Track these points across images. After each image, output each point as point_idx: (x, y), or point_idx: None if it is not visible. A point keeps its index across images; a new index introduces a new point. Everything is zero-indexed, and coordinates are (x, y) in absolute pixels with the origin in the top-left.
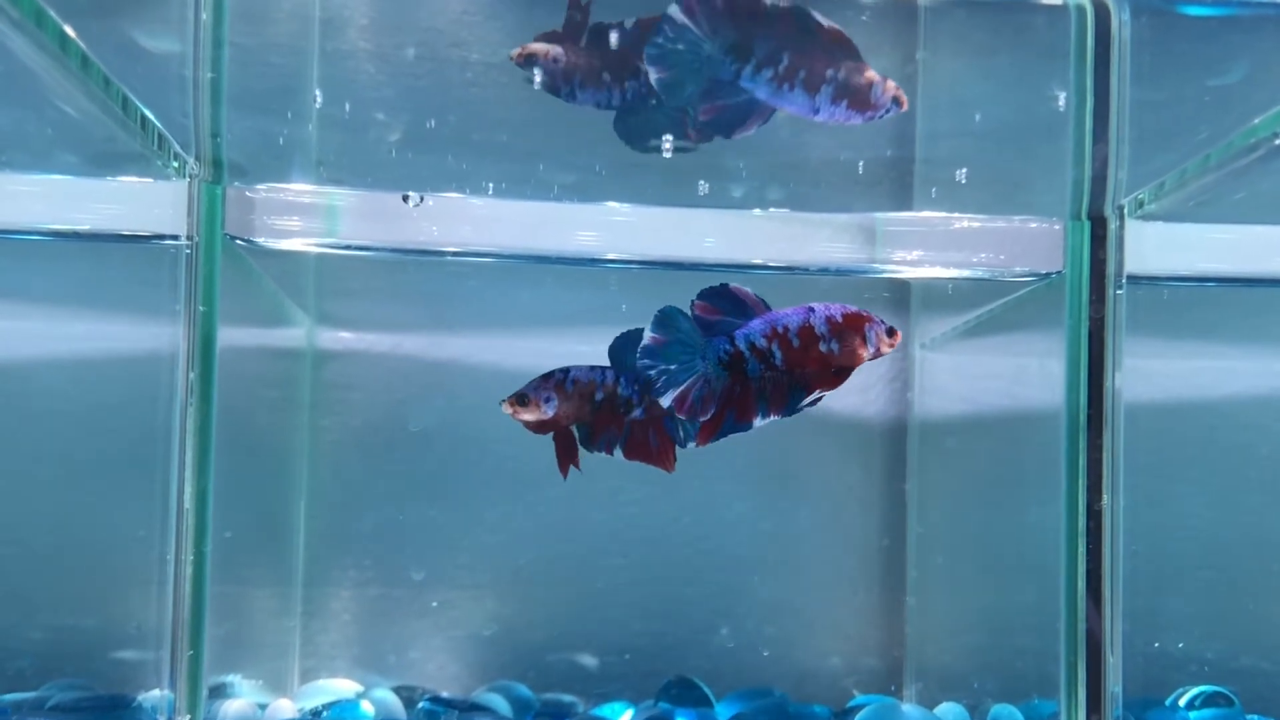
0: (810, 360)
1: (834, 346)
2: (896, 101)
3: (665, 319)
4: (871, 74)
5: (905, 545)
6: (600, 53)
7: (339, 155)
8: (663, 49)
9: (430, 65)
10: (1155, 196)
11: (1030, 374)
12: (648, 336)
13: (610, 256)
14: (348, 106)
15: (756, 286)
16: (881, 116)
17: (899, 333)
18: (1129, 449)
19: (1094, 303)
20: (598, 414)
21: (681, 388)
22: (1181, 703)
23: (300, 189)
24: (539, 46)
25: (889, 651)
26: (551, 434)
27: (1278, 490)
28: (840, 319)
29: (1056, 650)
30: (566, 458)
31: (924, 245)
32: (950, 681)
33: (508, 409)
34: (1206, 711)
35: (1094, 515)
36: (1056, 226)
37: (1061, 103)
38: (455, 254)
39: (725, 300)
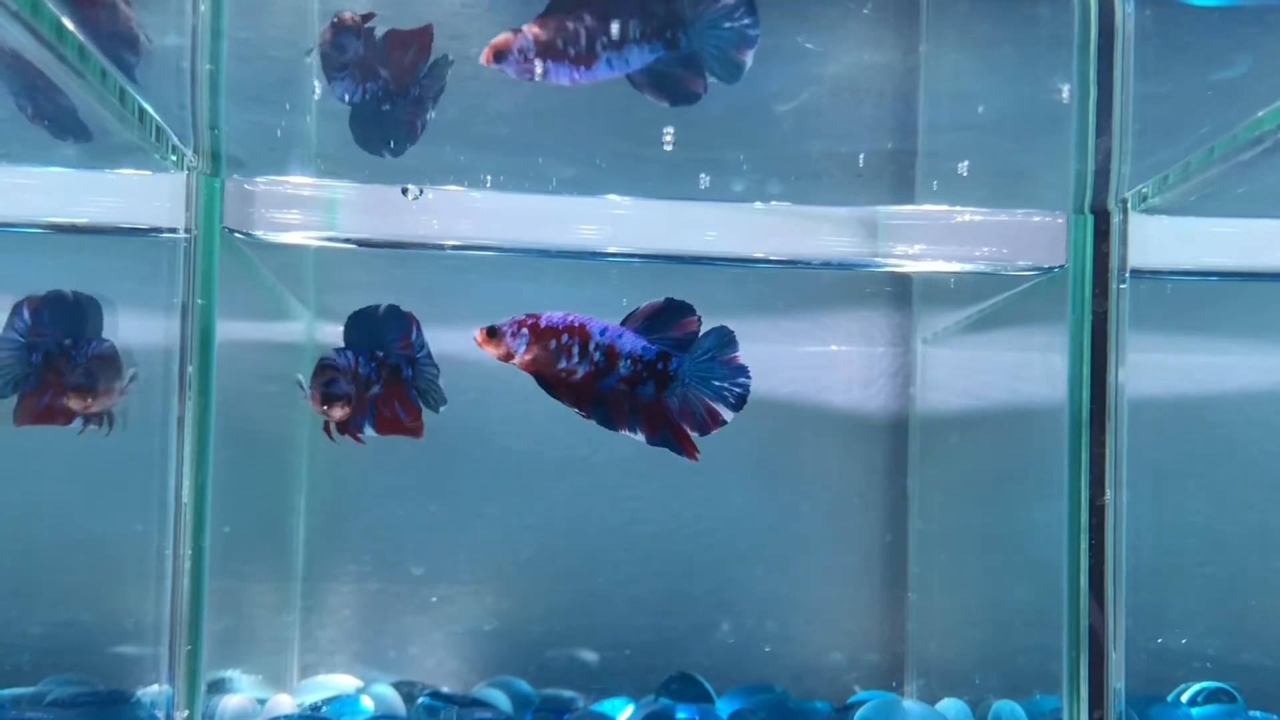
0: None
1: None
2: None
3: None
4: None
5: (907, 541)
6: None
7: (338, 148)
8: None
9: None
10: (1159, 190)
11: (1033, 369)
12: None
13: (611, 250)
14: (347, 99)
15: (758, 282)
16: None
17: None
18: (1132, 444)
19: (1097, 297)
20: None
21: None
22: (1184, 699)
23: (299, 182)
24: None
25: (890, 647)
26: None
27: None
28: None
29: (1058, 646)
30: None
31: (926, 239)
32: (952, 677)
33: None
34: (1209, 708)
35: (1096, 511)
36: (1059, 220)
37: (1065, 95)
38: (455, 247)
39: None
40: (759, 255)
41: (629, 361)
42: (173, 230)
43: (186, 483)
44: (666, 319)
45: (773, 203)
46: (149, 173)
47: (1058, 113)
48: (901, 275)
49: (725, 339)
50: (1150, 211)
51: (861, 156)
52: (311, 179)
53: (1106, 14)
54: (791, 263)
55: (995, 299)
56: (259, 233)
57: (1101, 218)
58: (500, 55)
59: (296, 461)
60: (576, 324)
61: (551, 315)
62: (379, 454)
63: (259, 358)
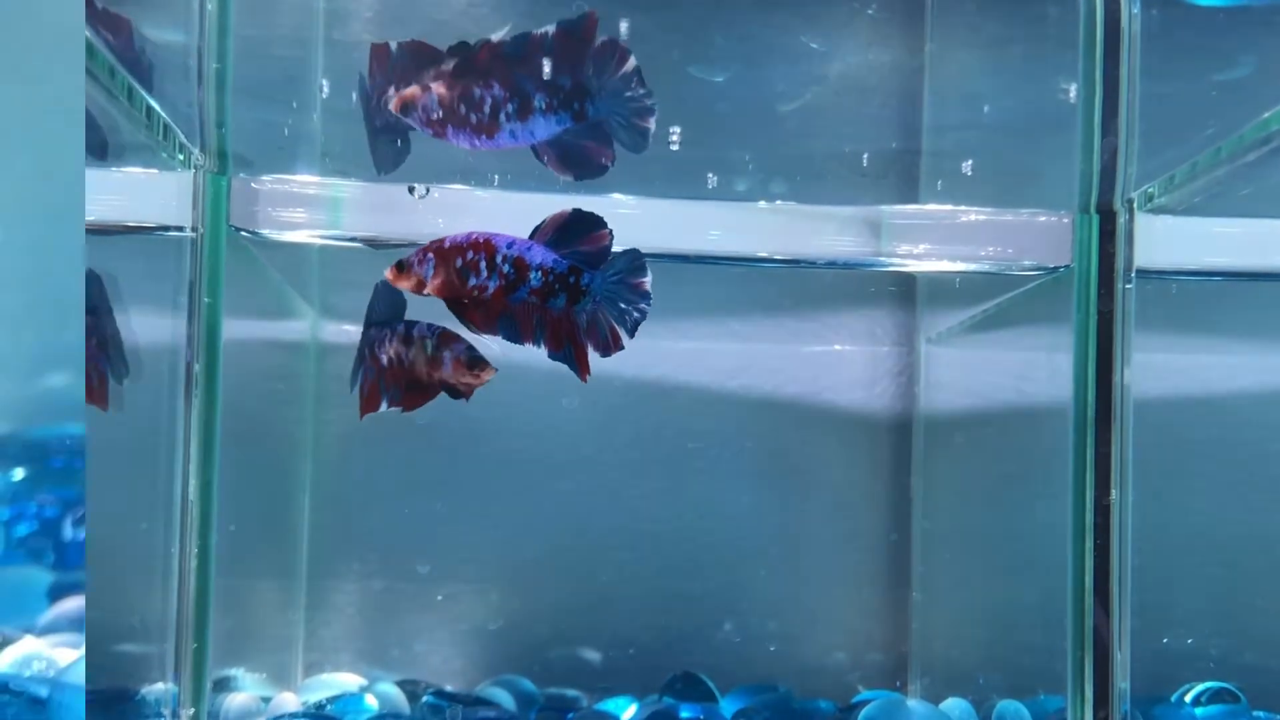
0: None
1: None
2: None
3: None
4: None
5: (911, 540)
6: None
7: (344, 146)
8: None
9: None
10: (1165, 190)
11: (1038, 369)
12: None
13: (616, 249)
14: (353, 97)
15: (762, 281)
16: None
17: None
18: (1137, 444)
19: (1103, 297)
20: None
21: None
22: (1188, 699)
23: (305, 180)
24: None
25: (895, 647)
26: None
27: None
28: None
29: (1063, 646)
30: None
31: (930, 238)
32: (956, 677)
33: None
34: (1213, 708)
35: (1102, 511)
36: (1065, 220)
37: (1070, 95)
38: None
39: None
40: (763, 254)
41: (539, 273)
42: (179, 228)
43: (192, 481)
44: (576, 231)
45: (777, 202)
46: (156, 171)
47: (1063, 112)
48: (906, 275)
49: (636, 262)
50: (1156, 211)
51: (866, 156)
52: (317, 177)
53: (1112, 14)
54: (796, 262)
55: (1000, 298)
56: (265, 231)
57: (1107, 217)
58: (407, 108)
59: (301, 460)
60: (480, 240)
61: (455, 235)
62: (383, 453)
63: (264, 356)
